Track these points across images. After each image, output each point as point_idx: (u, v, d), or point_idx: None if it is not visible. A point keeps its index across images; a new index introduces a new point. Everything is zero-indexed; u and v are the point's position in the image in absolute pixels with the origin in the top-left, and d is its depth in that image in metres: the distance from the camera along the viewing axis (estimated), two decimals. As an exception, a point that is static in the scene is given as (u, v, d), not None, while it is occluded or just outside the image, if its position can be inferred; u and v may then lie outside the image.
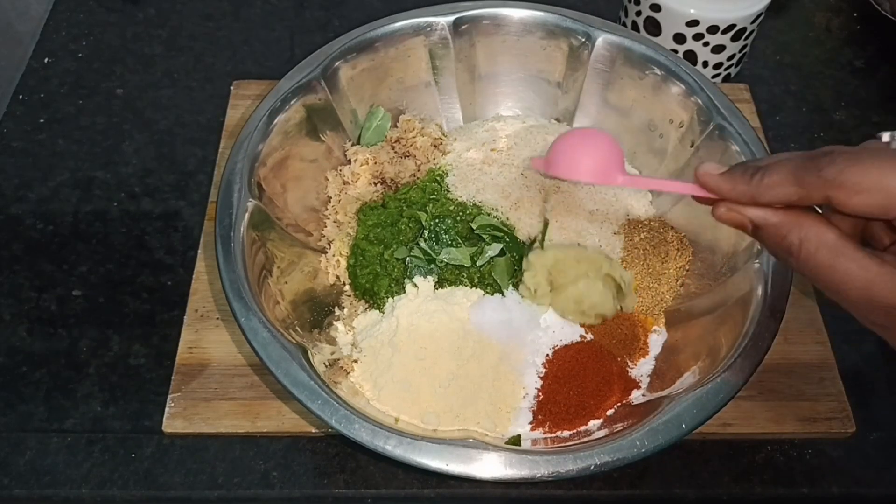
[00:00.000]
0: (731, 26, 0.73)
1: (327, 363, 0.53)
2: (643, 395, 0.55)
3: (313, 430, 0.56)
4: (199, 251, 0.65)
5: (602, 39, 0.64)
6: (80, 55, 0.80)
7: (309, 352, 0.51)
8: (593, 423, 0.53)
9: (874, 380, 0.61)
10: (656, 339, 0.59)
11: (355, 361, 0.55)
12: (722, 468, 0.57)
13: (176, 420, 0.56)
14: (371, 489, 0.55)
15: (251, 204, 0.54)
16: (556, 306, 0.57)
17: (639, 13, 0.76)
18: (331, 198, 0.64)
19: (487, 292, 0.58)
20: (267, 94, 0.60)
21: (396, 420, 0.51)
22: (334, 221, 0.63)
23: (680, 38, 0.74)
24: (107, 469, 0.55)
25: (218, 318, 0.61)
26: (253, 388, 0.58)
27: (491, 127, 0.68)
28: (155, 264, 0.65)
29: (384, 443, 0.46)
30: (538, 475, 0.45)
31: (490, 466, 0.45)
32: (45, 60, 0.79)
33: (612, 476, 0.56)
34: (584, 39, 0.65)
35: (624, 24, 0.79)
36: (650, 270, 0.61)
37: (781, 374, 0.59)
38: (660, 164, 0.66)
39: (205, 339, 0.60)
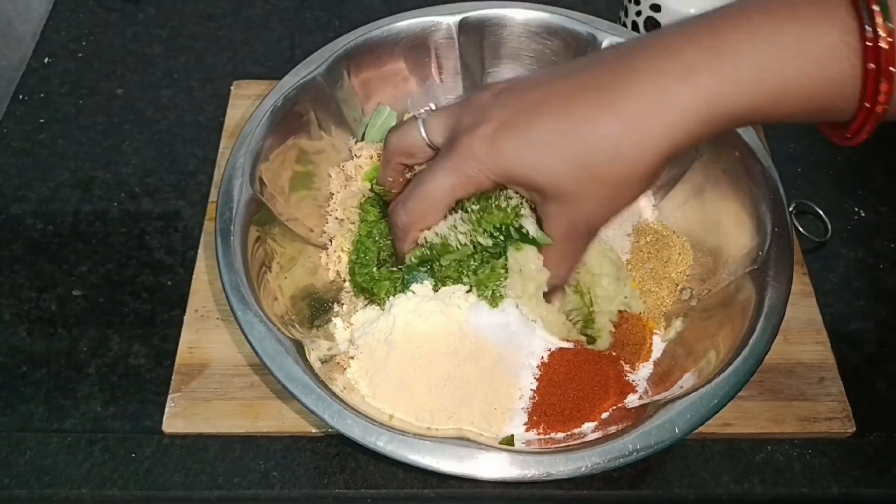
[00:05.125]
0: (731, 26, 0.72)
1: (323, 359, 0.53)
2: (639, 398, 0.55)
3: (313, 430, 0.56)
4: (199, 251, 0.65)
5: (607, 42, 0.64)
6: (80, 55, 0.80)
7: (306, 347, 0.51)
8: (588, 426, 0.53)
9: (874, 380, 0.62)
10: (656, 343, 0.59)
11: (352, 358, 0.55)
12: (722, 468, 0.57)
13: (176, 420, 0.56)
14: (371, 489, 0.55)
15: (252, 199, 0.54)
16: (550, 322, 0.57)
17: (639, 13, 0.76)
18: (333, 194, 0.64)
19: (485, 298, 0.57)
20: (271, 91, 0.60)
21: (391, 417, 0.51)
22: (336, 218, 0.63)
23: (680, 39, 0.74)
24: (107, 469, 0.55)
25: (218, 318, 0.61)
26: (253, 388, 0.58)
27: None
28: (155, 264, 0.65)
29: (376, 439, 0.46)
30: (529, 475, 0.45)
31: (482, 465, 0.45)
32: (45, 60, 0.79)
33: (611, 476, 0.56)
34: (588, 41, 0.65)
35: (624, 24, 0.79)
36: (652, 274, 0.61)
37: (781, 374, 0.59)
38: (661, 165, 0.66)
39: (205, 339, 0.60)
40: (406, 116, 0.67)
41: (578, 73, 0.45)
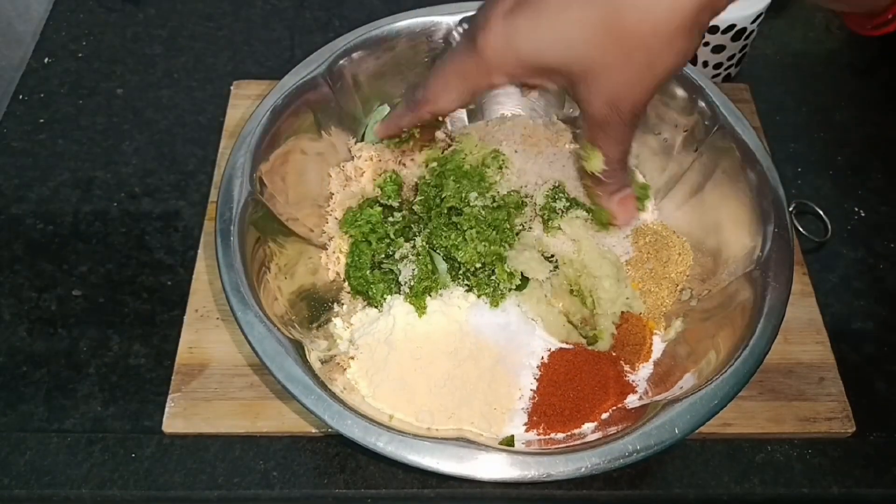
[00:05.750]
0: (731, 26, 0.73)
1: (324, 359, 0.53)
2: (639, 398, 0.55)
3: (313, 431, 0.56)
4: (199, 251, 0.65)
5: None
6: (80, 55, 0.80)
7: (306, 348, 0.51)
8: (588, 426, 0.53)
9: (874, 380, 0.62)
10: (656, 343, 0.59)
11: (352, 358, 0.55)
12: (722, 468, 0.57)
13: (176, 420, 0.56)
14: (371, 489, 0.55)
15: (252, 199, 0.54)
16: (549, 321, 0.57)
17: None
18: (333, 194, 0.64)
19: (486, 295, 0.57)
20: (271, 91, 0.60)
21: (391, 418, 0.51)
22: (336, 218, 0.63)
23: (680, 38, 0.74)
24: (107, 469, 0.55)
25: (218, 318, 0.61)
26: (253, 388, 0.58)
27: (496, 128, 0.68)
28: (155, 264, 0.65)
29: (376, 440, 0.46)
30: (529, 476, 0.45)
31: (482, 466, 0.46)
32: (45, 60, 0.79)
33: (611, 476, 0.56)
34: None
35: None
36: (652, 274, 0.61)
37: (781, 374, 0.60)
38: (664, 167, 0.66)
39: (205, 339, 0.60)
40: None
41: None
